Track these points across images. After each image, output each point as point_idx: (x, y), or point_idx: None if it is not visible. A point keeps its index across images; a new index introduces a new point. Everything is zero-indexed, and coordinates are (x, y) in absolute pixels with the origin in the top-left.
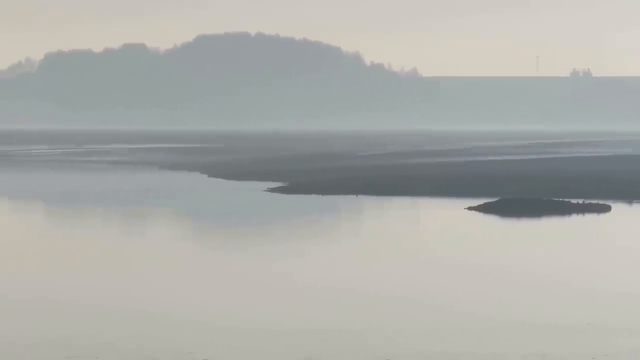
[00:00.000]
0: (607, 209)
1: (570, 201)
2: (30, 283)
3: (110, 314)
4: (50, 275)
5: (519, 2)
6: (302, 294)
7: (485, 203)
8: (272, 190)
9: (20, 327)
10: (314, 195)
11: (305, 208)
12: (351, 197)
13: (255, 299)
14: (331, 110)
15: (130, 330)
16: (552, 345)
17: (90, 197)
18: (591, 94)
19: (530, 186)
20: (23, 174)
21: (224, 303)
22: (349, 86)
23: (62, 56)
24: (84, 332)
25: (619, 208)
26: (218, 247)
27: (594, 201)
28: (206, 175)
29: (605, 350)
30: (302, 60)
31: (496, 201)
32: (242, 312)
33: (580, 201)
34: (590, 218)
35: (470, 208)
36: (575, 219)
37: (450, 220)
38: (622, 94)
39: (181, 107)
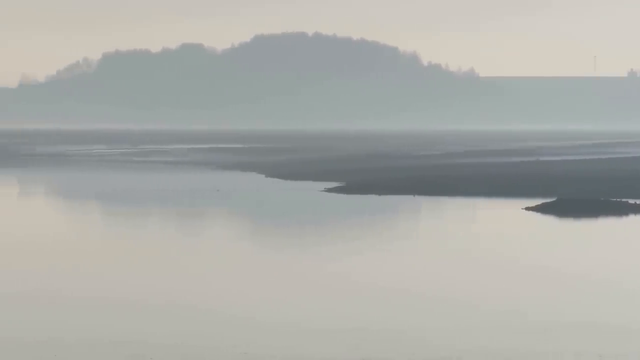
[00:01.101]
0: None
1: (628, 201)
2: (89, 282)
3: (168, 313)
4: (109, 274)
5: (577, 2)
6: (358, 294)
7: (542, 203)
8: (329, 190)
9: (84, 325)
10: (371, 195)
11: (362, 208)
12: (408, 197)
13: (313, 298)
14: (388, 110)
15: (188, 329)
16: (608, 345)
17: (148, 196)
18: None
19: (588, 186)
20: (81, 173)
21: (282, 302)
22: (405, 86)
23: (120, 56)
24: (142, 331)
25: None
26: (275, 247)
27: None
28: (263, 176)
29: None
30: (359, 60)
31: (553, 201)
32: (298, 312)
33: (639, 201)
34: None
35: (527, 208)
36: (634, 220)
37: (508, 220)
38: None
39: (238, 107)
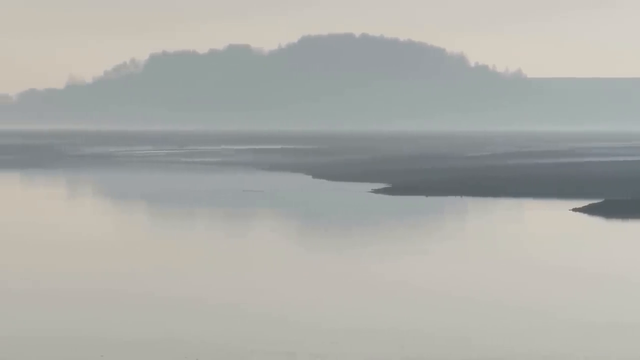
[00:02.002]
0: None
1: None
2: (135, 281)
3: (211, 312)
4: (158, 275)
5: (627, 2)
6: (403, 295)
7: (589, 204)
8: (376, 191)
9: (131, 324)
10: (417, 197)
11: (408, 209)
12: (455, 198)
13: (359, 299)
14: (434, 111)
15: (232, 329)
16: None
17: (194, 197)
18: None
19: (636, 187)
20: (128, 174)
21: (325, 302)
22: (452, 87)
23: (167, 57)
24: (188, 330)
25: None
26: (321, 248)
27: None
28: (310, 177)
29: None
30: (406, 61)
31: (601, 202)
32: (344, 312)
33: None
34: None
35: (574, 209)
36: None
37: (554, 221)
38: None
39: (285, 108)
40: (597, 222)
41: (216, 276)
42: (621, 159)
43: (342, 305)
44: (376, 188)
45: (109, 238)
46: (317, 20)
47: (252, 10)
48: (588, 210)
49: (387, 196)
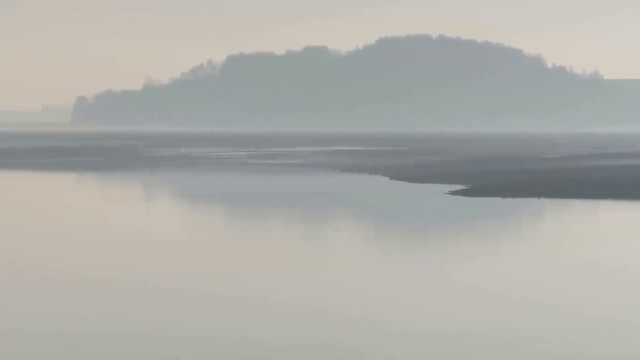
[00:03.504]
0: None
1: None
2: (211, 282)
3: (285, 313)
4: (231, 274)
5: None
6: (479, 298)
7: None
8: (454, 192)
9: (212, 325)
10: (494, 198)
11: (486, 211)
12: (533, 200)
13: (434, 301)
14: (511, 112)
15: (305, 330)
16: None
17: (271, 198)
18: None
19: None
20: (205, 175)
21: (404, 305)
22: (529, 88)
23: (244, 58)
24: (258, 331)
25: None
26: (398, 250)
27: None
28: (387, 178)
29: None
30: (483, 63)
31: None
32: (419, 314)
33: None
34: None
35: None
36: None
37: (634, 223)
38: None
39: (362, 110)
40: None
41: (291, 277)
42: None
43: (416, 308)
44: (453, 190)
45: (187, 238)
46: (394, 21)
47: (329, 11)
48: None
49: (464, 198)
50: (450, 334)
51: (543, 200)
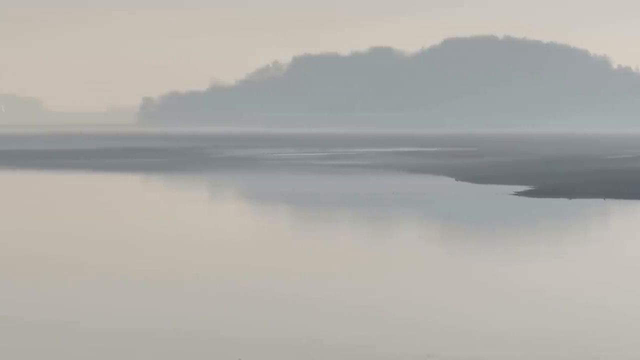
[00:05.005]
0: None
1: None
2: (277, 283)
3: (350, 314)
4: (297, 275)
5: None
6: (543, 301)
7: None
8: (519, 193)
9: (276, 326)
10: (560, 199)
11: (552, 212)
12: (599, 201)
13: (497, 303)
14: (575, 112)
15: (371, 331)
16: None
17: (338, 200)
18: None
19: None
20: (272, 176)
21: (467, 307)
22: (595, 88)
23: (310, 59)
24: (323, 332)
25: None
26: (465, 251)
27: None
28: (453, 179)
29: None
30: (549, 64)
31: None
32: (482, 316)
33: None
34: None
35: None
36: None
37: None
38: None
39: (428, 111)
40: None
41: (356, 278)
42: None
43: (480, 309)
44: (519, 190)
45: (256, 239)
46: (460, 22)
47: (394, 11)
48: None
49: (530, 199)
50: (515, 337)
51: (609, 201)
